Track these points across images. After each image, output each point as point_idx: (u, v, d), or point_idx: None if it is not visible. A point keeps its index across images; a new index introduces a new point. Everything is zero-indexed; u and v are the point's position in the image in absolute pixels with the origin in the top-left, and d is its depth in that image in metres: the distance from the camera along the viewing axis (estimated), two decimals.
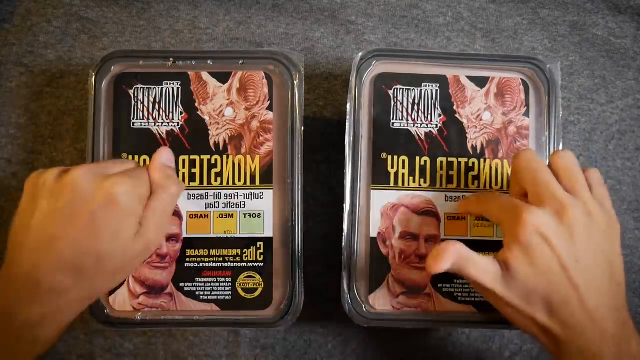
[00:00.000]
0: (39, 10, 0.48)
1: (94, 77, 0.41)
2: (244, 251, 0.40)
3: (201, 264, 0.40)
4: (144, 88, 0.41)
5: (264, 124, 0.41)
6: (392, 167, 0.41)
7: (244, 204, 0.41)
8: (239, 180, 0.41)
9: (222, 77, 0.41)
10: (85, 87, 0.46)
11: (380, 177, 0.41)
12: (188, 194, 0.41)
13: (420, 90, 0.41)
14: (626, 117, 0.49)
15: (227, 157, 0.41)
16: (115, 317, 0.40)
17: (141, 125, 0.41)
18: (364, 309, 0.40)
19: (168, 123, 0.41)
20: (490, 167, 0.41)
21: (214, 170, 0.41)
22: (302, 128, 0.40)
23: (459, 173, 0.41)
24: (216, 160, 0.41)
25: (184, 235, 0.40)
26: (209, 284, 0.40)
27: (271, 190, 0.41)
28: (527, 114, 0.42)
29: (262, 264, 0.40)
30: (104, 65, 0.41)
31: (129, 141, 0.41)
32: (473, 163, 0.41)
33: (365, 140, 0.41)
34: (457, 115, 0.42)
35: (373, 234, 0.41)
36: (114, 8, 0.48)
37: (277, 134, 0.41)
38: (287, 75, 0.41)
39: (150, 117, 0.41)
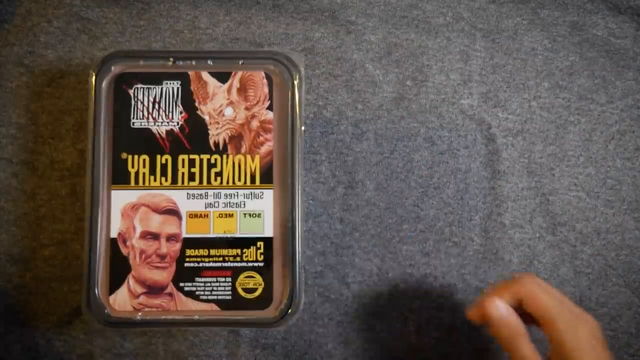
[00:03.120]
0: (39, 10, 0.48)
1: (94, 77, 0.41)
2: (243, 251, 0.40)
3: (201, 264, 0.40)
4: (143, 88, 0.41)
5: (264, 124, 0.41)
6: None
7: (244, 204, 0.41)
8: (239, 180, 0.41)
9: (222, 77, 0.41)
10: (85, 87, 0.46)
11: None
12: (187, 193, 0.41)
13: None
14: (626, 117, 0.49)
15: (227, 157, 0.41)
16: (115, 317, 0.40)
17: (141, 125, 0.41)
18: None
19: (168, 123, 0.41)
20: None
21: (213, 170, 0.41)
22: (302, 128, 0.40)
23: None
24: (216, 159, 0.41)
25: (184, 235, 0.40)
26: (208, 284, 0.40)
27: (271, 190, 0.41)
28: None
29: (262, 264, 0.40)
30: (104, 65, 0.41)
31: (128, 141, 0.41)
32: None
33: None
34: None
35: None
36: (114, 8, 0.48)
37: (277, 134, 0.41)
38: (287, 75, 0.41)
39: (150, 117, 0.41)
